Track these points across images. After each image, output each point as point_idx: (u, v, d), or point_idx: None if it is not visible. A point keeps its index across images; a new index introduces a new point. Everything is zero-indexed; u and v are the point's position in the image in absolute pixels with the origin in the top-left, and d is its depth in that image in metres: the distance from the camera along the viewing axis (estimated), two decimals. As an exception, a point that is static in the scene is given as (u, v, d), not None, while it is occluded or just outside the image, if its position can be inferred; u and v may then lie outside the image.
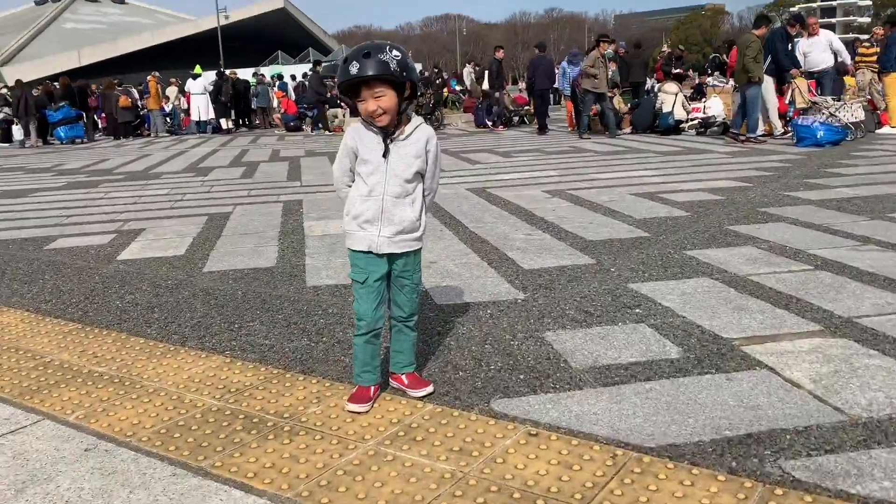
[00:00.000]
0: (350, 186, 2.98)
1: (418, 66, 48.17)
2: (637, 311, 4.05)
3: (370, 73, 2.71)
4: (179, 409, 3.04)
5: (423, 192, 3.00)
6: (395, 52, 2.75)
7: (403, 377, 3.10)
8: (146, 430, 2.87)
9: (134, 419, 2.97)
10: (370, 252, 2.92)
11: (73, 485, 2.49)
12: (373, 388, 2.99)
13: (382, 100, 2.77)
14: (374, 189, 2.88)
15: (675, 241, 5.66)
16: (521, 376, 3.22)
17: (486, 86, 21.65)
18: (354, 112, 3.05)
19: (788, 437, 2.61)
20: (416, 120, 2.94)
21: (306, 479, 2.45)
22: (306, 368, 3.42)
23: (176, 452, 2.68)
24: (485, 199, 8.07)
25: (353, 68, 2.72)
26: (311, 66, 25.11)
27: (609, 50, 20.01)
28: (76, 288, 5.07)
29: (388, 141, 2.88)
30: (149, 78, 23.22)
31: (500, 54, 19.39)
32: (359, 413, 2.89)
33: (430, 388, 3.07)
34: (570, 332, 3.76)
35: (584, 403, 2.92)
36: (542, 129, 17.37)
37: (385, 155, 2.87)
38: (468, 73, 25.16)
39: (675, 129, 14.98)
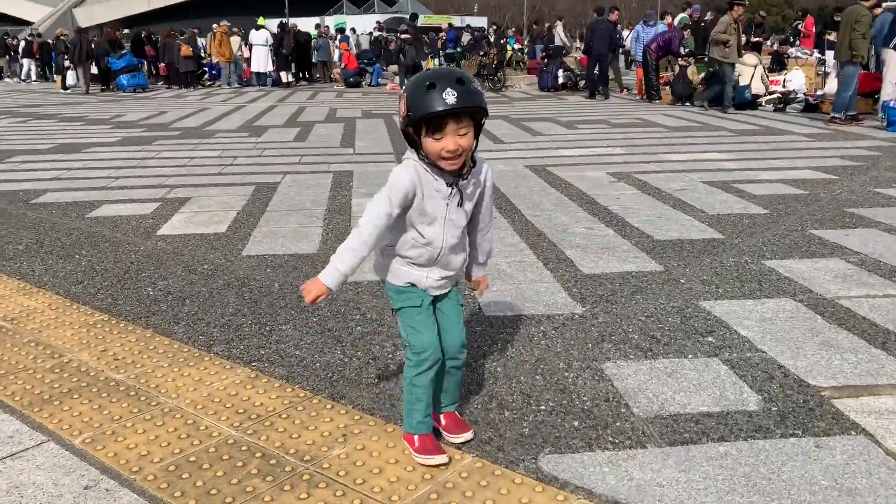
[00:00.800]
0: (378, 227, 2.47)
1: (482, 22, 46.87)
2: (710, 339, 3.60)
3: (469, 104, 2.26)
4: (193, 439, 2.75)
5: (480, 233, 2.68)
6: (476, 83, 2.34)
7: (442, 417, 2.75)
8: (154, 464, 2.59)
9: (144, 448, 2.69)
10: (414, 285, 2.55)
11: (64, 536, 2.22)
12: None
13: (466, 138, 2.33)
14: (432, 241, 2.50)
15: (752, 247, 5.14)
16: (576, 423, 2.84)
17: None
18: (411, 143, 2.44)
19: (895, 540, 2.17)
20: (480, 162, 2.51)
21: (320, 554, 2.13)
22: (336, 392, 3.10)
23: (182, 500, 2.39)
24: (545, 181, 7.60)
25: (450, 97, 2.22)
26: (374, 18, 24.56)
27: (684, 15, 18.97)
28: (111, 268, 4.84)
29: (456, 188, 2.44)
30: (217, 28, 22.97)
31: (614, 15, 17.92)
32: (444, 464, 2.55)
33: (469, 435, 2.71)
34: (633, 363, 3.34)
35: (647, 469, 2.53)
36: (592, 95, 17.07)
37: (454, 204, 2.47)
38: (560, 30, 23.99)
39: (751, 104, 14.09)
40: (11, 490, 2.46)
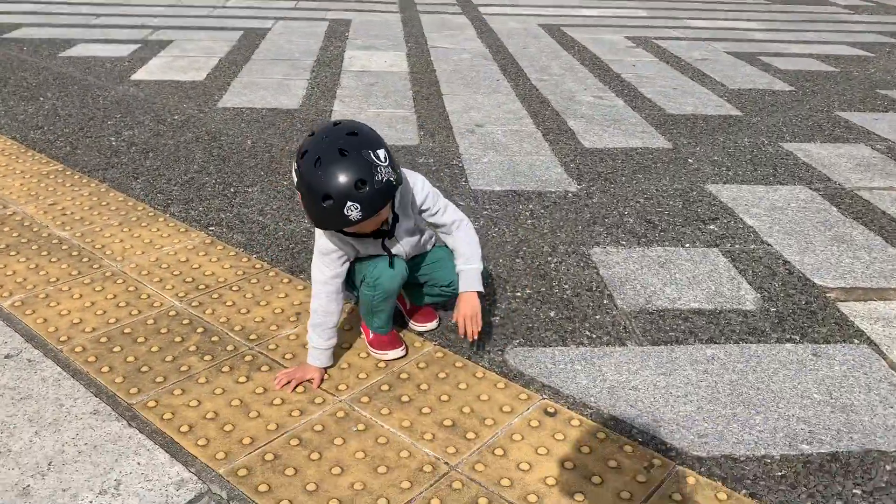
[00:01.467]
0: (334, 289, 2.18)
1: None
2: (712, 227, 3.29)
3: (377, 212, 1.92)
4: (132, 309, 2.51)
5: (446, 237, 2.29)
6: (380, 155, 1.89)
7: (407, 302, 2.49)
8: (85, 334, 2.36)
9: (77, 315, 2.46)
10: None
11: (-26, 410, 2.02)
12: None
13: (382, 213, 1.99)
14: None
15: (771, 127, 4.72)
16: (552, 313, 2.58)
17: None
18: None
19: (889, 467, 1.95)
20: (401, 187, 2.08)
21: (250, 447, 1.93)
22: (296, 266, 2.83)
23: (108, 376, 2.17)
24: (557, 42, 7.04)
25: (354, 212, 1.87)
26: None
27: None
28: (75, 113, 4.48)
29: (389, 234, 2.14)
30: None
31: None
32: (399, 358, 2.30)
33: (434, 324, 2.46)
34: (623, 250, 3.05)
35: (623, 369, 2.29)
36: None
37: (390, 238, 2.16)
38: None
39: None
40: (-75, 355, 2.26)
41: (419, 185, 2.17)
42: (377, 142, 1.92)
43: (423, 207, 2.19)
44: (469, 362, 2.29)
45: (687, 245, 3.11)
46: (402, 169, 2.09)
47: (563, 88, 5.45)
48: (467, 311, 2.19)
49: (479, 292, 2.21)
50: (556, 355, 2.35)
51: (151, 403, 2.07)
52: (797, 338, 2.49)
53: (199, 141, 4.09)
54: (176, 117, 4.46)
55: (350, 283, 2.22)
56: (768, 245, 3.14)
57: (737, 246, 3.12)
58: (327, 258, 2.11)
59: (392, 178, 1.93)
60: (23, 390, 2.10)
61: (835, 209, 3.53)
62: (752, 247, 3.12)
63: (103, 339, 2.34)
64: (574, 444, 1.97)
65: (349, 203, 1.87)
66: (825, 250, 3.11)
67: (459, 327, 2.20)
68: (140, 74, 5.37)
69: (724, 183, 3.80)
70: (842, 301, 2.73)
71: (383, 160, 1.89)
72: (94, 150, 3.91)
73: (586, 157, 4.08)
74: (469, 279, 2.21)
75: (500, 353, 2.35)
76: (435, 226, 2.27)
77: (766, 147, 4.35)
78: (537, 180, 3.74)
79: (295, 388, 2.14)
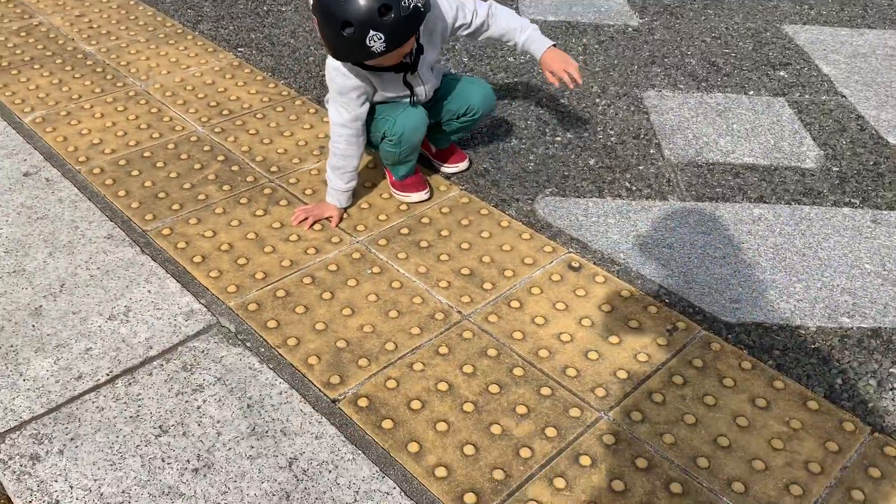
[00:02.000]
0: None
1: None
2: (782, 73, 2.98)
3: (402, 44, 1.77)
4: (153, 131, 2.43)
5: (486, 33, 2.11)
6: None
7: (433, 146, 2.34)
8: (104, 155, 2.30)
9: (97, 135, 2.39)
10: None
11: (-8, 228, 2.01)
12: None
13: (406, 44, 1.81)
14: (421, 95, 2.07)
15: (869, -39, 4.18)
16: (592, 161, 2.41)
17: None
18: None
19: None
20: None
21: (262, 282, 1.88)
22: (324, 95, 2.67)
23: (124, 201, 2.13)
24: None
25: (376, 43, 1.71)
26: None
27: None
28: (108, -83, 4.21)
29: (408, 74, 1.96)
30: None
31: None
32: (423, 201, 2.19)
33: (464, 165, 2.32)
34: (680, 95, 2.80)
35: (660, 226, 2.14)
36: None
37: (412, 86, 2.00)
38: None
39: None
40: (-53, 168, 2.23)
41: (446, 4, 1.98)
42: None
43: (458, 24, 2.03)
44: (495, 210, 2.17)
45: (751, 92, 2.84)
46: None
47: None
48: (557, 64, 2.05)
49: (554, 45, 2.08)
50: (589, 207, 2.21)
51: (166, 231, 2.03)
52: (857, 202, 2.28)
53: (235, -47, 3.82)
54: (213, -75, 4.16)
55: (369, 139, 2.07)
56: (842, 96, 2.84)
57: (806, 96, 2.83)
58: (345, 98, 1.95)
59: (420, 4, 1.73)
60: (39, 210, 2.08)
61: (926, 59, 3.16)
62: (824, 98, 2.83)
63: (122, 162, 2.28)
64: (595, 302, 1.87)
65: (371, 32, 1.69)
66: (906, 106, 2.80)
67: (559, 79, 2.06)
68: None
69: (804, 23, 3.42)
70: (915, 164, 2.48)
71: None
72: (126, -41, 3.69)
73: (653, -12, 3.70)
74: (537, 42, 2.07)
75: (529, 201, 2.22)
76: (475, 34, 2.10)
77: (860, -16, 3.87)
78: (596, 11, 3.42)
79: (312, 225, 2.06)
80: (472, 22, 2.04)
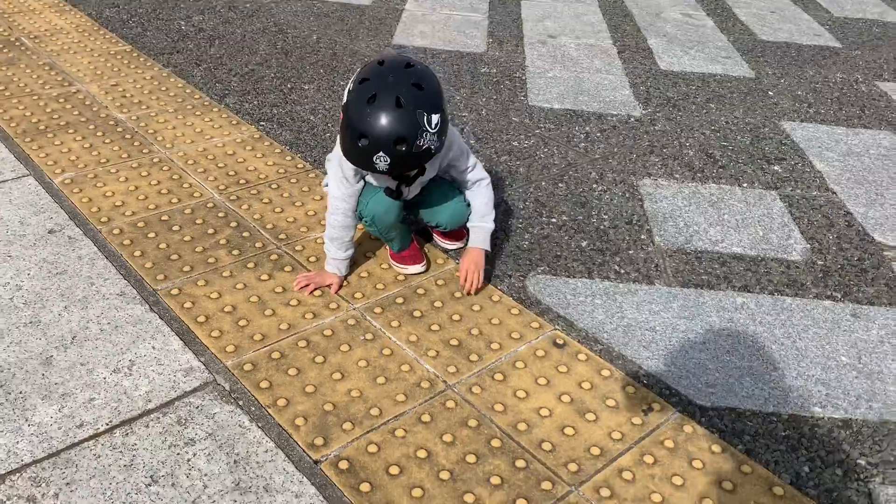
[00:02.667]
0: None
1: None
2: (776, 168, 3.11)
3: (409, 168, 1.98)
4: (173, 196, 2.59)
5: (467, 191, 2.30)
6: (433, 120, 1.88)
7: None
8: (125, 217, 2.45)
9: (120, 197, 2.55)
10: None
11: (14, 280, 2.15)
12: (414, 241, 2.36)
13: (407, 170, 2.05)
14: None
15: (870, 63, 4.36)
16: (584, 243, 2.52)
17: None
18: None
19: (902, 442, 1.87)
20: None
21: (259, 344, 1.99)
22: (336, 168, 2.84)
23: (139, 260, 2.26)
24: (655, -49, 6.59)
25: (381, 163, 1.88)
26: None
27: None
28: (151, -7, 4.52)
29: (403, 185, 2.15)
30: None
31: None
32: (419, 273, 2.30)
33: (461, 243, 2.44)
34: (675, 184, 2.93)
35: (644, 309, 2.24)
36: None
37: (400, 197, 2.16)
38: None
39: None
40: (-22, 222, 2.39)
41: (455, 146, 2.18)
42: (436, 104, 1.91)
43: (452, 163, 2.20)
44: (488, 285, 2.28)
45: (745, 185, 2.96)
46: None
47: (651, 2, 5.15)
48: (470, 266, 2.19)
49: (486, 251, 2.24)
50: (578, 287, 2.31)
51: (175, 291, 2.15)
52: (838, 295, 2.37)
53: (265, 32, 4.08)
54: (248, 5, 4.45)
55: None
56: (833, 193, 2.95)
57: (798, 191, 2.95)
58: (345, 174, 2.10)
59: (433, 147, 1.92)
60: (59, 265, 2.22)
61: (918, 160, 3.27)
62: (815, 193, 2.94)
63: (140, 224, 2.43)
64: (576, 378, 1.96)
65: (381, 153, 1.87)
66: (894, 205, 2.90)
67: (461, 278, 2.20)
68: (220, -42, 5.33)
69: (802, 121, 3.56)
70: (899, 261, 2.57)
71: (433, 127, 1.89)
72: (163, 34, 3.95)
73: (659, 80, 3.89)
74: (479, 236, 2.24)
75: (521, 278, 2.33)
76: (458, 180, 2.26)
77: (859, 85, 4.04)
78: (601, 101, 3.59)
79: (312, 291, 2.18)
80: (463, 174, 2.22)
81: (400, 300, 2.19)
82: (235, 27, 4.11)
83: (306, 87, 3.48)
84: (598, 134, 3.28)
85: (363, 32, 4.18)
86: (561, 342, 2.08)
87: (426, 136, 1.87)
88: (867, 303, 2.34)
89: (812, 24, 4.99)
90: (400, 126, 1.84)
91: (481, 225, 2.25)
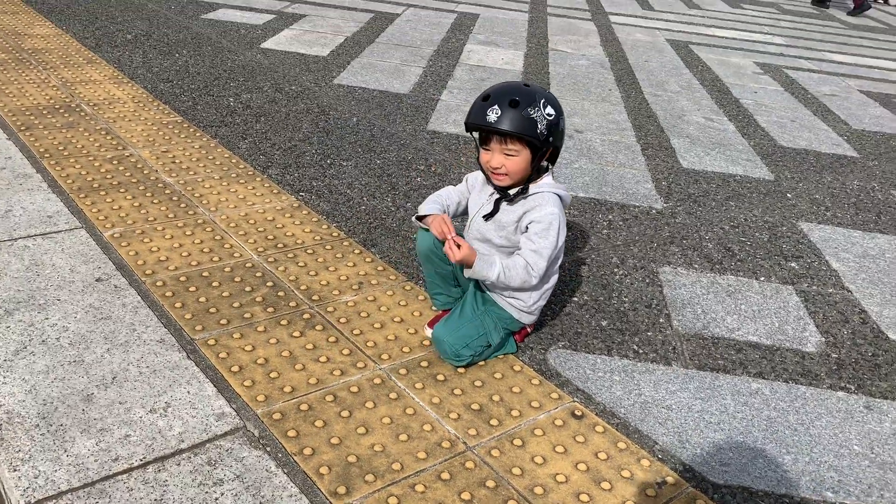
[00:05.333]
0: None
1: None
2: (793, 265, 3.20)
3: (507, 128, 2.09)
4: (214, 255, 2.72)
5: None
6: (548, 110, 2.13)
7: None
8: (168, 271, 2.59)
9: (164, 253, 2.69)
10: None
11: (61, 321, 2.27)
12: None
13: (512, 160, 2.16)
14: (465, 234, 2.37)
15: (887, 173, 4.51)
16: (604, 322, 2.61)
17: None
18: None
19: (914, 531, 1.89)
20: (543, 185, 2.24)
21: (288, 396, 2.08)
22: (369, 239, 2.98)
23: (179, 311, 2.38)
24: (681, 58, 6.92)
25: (492, 115, 2.09)
26: None
27: None
28: (203, 72, 4.81)
29: (498, 203, 2.27)
30: None
31: None
32: None
33: None
34: (694, 273, 3.03)
35: (661, 388, 2.30)
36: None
37: (487, 217, 2.28)
38: None
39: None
40: (31, 266, 2.53)
41: (545, 211, 2.18)
42: (550, 101, 2.14)
43: (532, 224, 2.18)
44: (510, 355, 2.36)
45: (762, 279, 3.06)
46: (550, 193, 2.22)
47: (675, 106, 5.38)
48: (455, 247, 2.11)
49: (473, 263, 2.14)
50: (597, 363, 2.39)
51: (211, 341, 2.26)
52: (852, 387, 2.42)
53: (308, 112, 4.32)
54: (293, 87, 4.72)
55: None
56: (848, 291, 3.04)
57: (814, 287, 3.04)
58: (463, 183, 2.42)
59: (539, 124, 2.09)
60: (105, 311, 2.34)
61: (933, 266, 3.36)
62: (831, 290, 3.03)
63: (182, 278, 2.56)
64: (593, 449, 2.01)
65: (496, 106, 2.08)
66: (909, 306, 2.98)
67: (447, 247, 2.15)
68: (269, 43, 5.68)
69: (820, 223, 3.68)
70: (913, 359, 2.62)
71: (547, 113, 2.11)
72: (213, 108, 4.20)
73: (681, 177, 4.04)
74: (483, 261, 2.13)
75: (542, 351, 2.41)
76: (520, 244, 2.23)
77: (876, 192, 4.17)
78: (624, 192, 3.74)
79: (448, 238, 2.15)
80: (526, 240, 2.18)
81: (425, 363, 2.28)
82: (281, 106, 4.36)
83: (344, 164, 3.67)
84: (621, 222, 3.41)
85: (399, 118, 4.41)
86: (579, 413, 2.14)
87: (538, 111, 2.09)
88: (880, 396, 2.39)
89: (830, 133, 5.18)
90: (518, 94, 2.09)
91: (493, 260, 2.14)
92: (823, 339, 2.67)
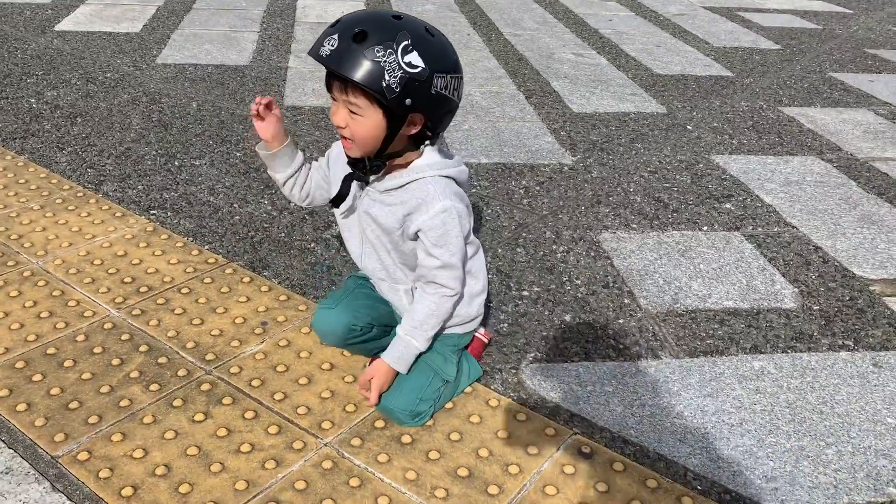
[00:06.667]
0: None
1: None
2: (728, 206, 2.93)
3: (335, 67, 1.48)
4: (57, 320, 2.03)
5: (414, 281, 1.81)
6: (410, 58, 1.48)
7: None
8: (-4, 357, 1.88)
9: (-15, 330, 1.97)
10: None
11: None
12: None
13: (358, 122, 1.57)
14: (351, 249, 1.87)
15: (766, 90, 4.37)
16: (567, 317, 2.19)
17: None
18: None
19: None
20: (422, 166, 1.66)
21: (214, 516, 1.49)
22: (258, 259, 2.37)
23: (26, 417, 1.70)
24: (525, -7, 6.54)
25: (327, 45, 1.49)
26: None
27: None
28: (-13, 69, 3.86)
29: (358, 182, 1.73)
30: None
31: None
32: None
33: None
34: (636, 235, 2.67)
35: (662, 390, 1.92)
36: None
37: (336, 202, 1.77)
38: None
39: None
40: None
41: (433, 210, 1.64)
42: (419, 42, 1.50)
43: (422, 235, 1.67)
44: (479, 385, 1.89)
45: (705, 228, 2.75)
46: (434, 178, 1.65)
47: (539, 44, 5.00)
48: (366, 379, 1.75)
49: (396, 371, 1.74)
50: (580, 373, 1.96)
51: (83, 455, 1.61)
52: (850, 343, 2.15)
53: (135, 103, 3.54)
54: (108, 75, 3.88)
55: None
56: (793, 227, 2.80)
57: (759, 229, 2.77)
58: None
59: (390, 81, 1.47)
60: (-89, 441, 1.63)
61: (853, 183, 3.21)
62: (776, 230, 2.77)
63: (19, 364, 1.86)
64: (622, 498, 1.59)
65: (335, 35, 1.48)
66: (856, 234, 2.78)
67: (364, 394, 1.78)
68: (65, 24, 4.71)
69: (730, 153, 3.44)
70: (888, 296, 2.40)
71: (404, 59, 1.47)
72: (11, 115, 3.33)
73: (577, 123, 3.67)
74: (397, 351, 1.73)
75: (513, 371, 1.96)
76: (417, 267, 1.74)
77: (766, 112, 4.01)
78: (527, 151, 3.32)
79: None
80: (424, 261, 1.69)
81: (380, 423, 1.75)
82: (99, 101, 3.54)
83: (197, 163, 2.98)
84: (537, 187, 2.99)
85: (248, 95, 3.72)
86: (587, 451, 1.71)
87: (391, 56, 1.46)
88: (881, 348, 2.14)
89: (698, 55, 5.01)
90: (371, 26, 1.47)
91: (406, 338, 1.72)
92: (797, 290, 2.40)
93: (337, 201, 1.75)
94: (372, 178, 1.70)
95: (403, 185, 1.66)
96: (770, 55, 5.13)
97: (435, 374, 1.75)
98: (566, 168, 3.18)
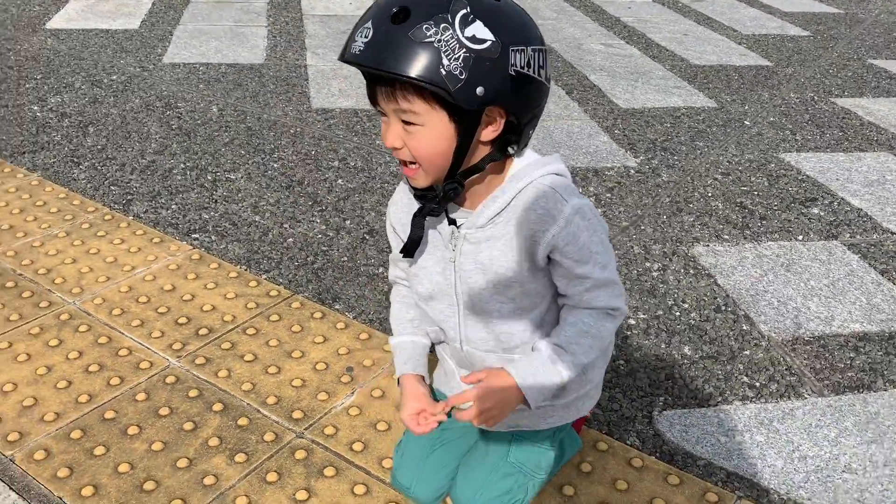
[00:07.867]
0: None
1: None
2: (816, 212, 2.69)
3: (372, 63, 1.03)
4: (111, 374, 1.73)
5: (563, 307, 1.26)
6: (472, 30, 1.02)
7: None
8: (45, 425, 1.58)
9: (25, 391, 1.67)
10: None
11: None
12: None
13: (416, 134, 1.09)
14: (443, 325, 1.30)
15: (810, 79, 4.15)
16: (687, 349, 1.94)
17: None
18: None
19: None
20: (529, 172, 1.17)
21: None
22: (324, 289, 2.09)
23: (94, 502, 1.41)
24: (534, -19, 6.26)
25: (360, 39, 1.04)
26: None
27: None
28: (-21, 73, 3.50)
29: (419, 221, 1.21)
30: None
31: None
32: None
33: None
34: (731, 247, 2.42)
35: (818, 437, 1.67)
36: None
37: (408, 251, 1.23)
38: None
39: None
40: None
41: (565, 213, 1.14)
42: (479, 10, 1.04)
43: (551, 252, 1.17)
44: (614, 441, 1.63)
45: (801, 237, 2.51)
46: (546, 177, 1.16)
47: (564, 35, 4.73)
48: (488, 397, 1.16)
49: (522, 397, 1.17)
50: (721, 419, 1.71)
51: (171, 553, 1.33)
52: None
53: (150, 109, 3.21)
54: (114, 77, 3.54)
55: None
56: (890, 231, 2.57)
57: (858, 237, 2.54)
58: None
59: (451, 65, 1.01)
60: (-43, 543, 1.33)
61: (936, 182, 2.99)
62: (876, 237, 2.55)
63: (76, 434, 1.57)
64: (816, 580, 1.35)
65: (368, 24, 1.04)
66: (961, 239, 2.57)
67: (456, 412, 1.20)
68: (56, 22, 4.34)
69: (798, 151, 3.21)
70: None
71: (468, 41, 1.01)
72: (14, 125, 2.99)
73: (628, 120, 3.42)
74: (531, 366, 1.18)
75: (646, 420, 1.70)
76: (558, 288, 1.24)
77: (819, 104, 3.78)
78: (585, 153, 3.06)
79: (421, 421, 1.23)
80: (573, 283, 1.20)
81: (515, 494, 1.49)
82: (109, 107, 3.21)
83: (233, 177, 2.68)
84: (608, 194, 2.73)
85: (271, 98, 3.41)
86: (761, 519, 1.46)
87: (448, 31, 1.01)
88: None
89: (730, 43, 4.78)
90: (409, 2, 1.02)
91: (547, 355, 1.19)
92: (923, 308, 2.17)
93: (409, 250, 1.23)
94: (458, 219, 1.21)
95: (510, 203, 1.17)
96: (802, 42, 4.91)
97: (527, 474, 1.34)
98: (632, 171, 2.92)
